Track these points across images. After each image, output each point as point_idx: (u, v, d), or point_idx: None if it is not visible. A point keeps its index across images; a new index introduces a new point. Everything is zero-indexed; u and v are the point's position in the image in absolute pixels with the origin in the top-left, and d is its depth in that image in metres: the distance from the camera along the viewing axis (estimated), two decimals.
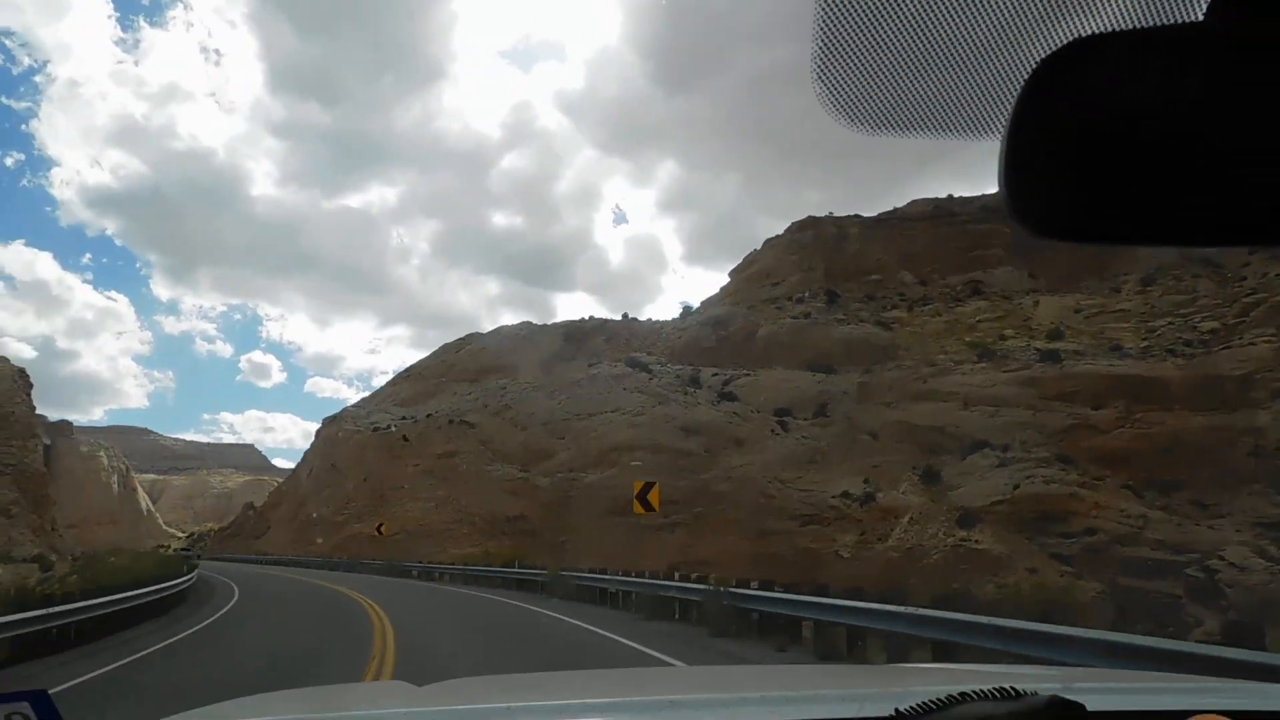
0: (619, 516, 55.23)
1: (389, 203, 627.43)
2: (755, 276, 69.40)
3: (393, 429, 62.09)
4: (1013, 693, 1.01)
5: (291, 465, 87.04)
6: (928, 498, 49.17)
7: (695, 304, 74.03)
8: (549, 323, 69.05)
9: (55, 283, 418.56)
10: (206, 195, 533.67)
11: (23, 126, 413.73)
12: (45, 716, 0.84)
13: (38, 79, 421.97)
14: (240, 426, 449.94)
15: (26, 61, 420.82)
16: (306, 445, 74.94)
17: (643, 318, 74.90)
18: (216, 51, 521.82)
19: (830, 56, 0.76)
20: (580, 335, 68.08)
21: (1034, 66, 0.71)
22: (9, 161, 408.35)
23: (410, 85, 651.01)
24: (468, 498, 57.47)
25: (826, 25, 0.76)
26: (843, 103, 0.78)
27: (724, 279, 74.97)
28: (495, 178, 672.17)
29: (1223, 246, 0.76)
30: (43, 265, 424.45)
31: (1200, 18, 0.70)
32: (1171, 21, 0.71)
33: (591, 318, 71.64)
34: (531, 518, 56.04)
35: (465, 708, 1.56)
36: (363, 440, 62.99)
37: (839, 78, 0.78)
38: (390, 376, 75.48)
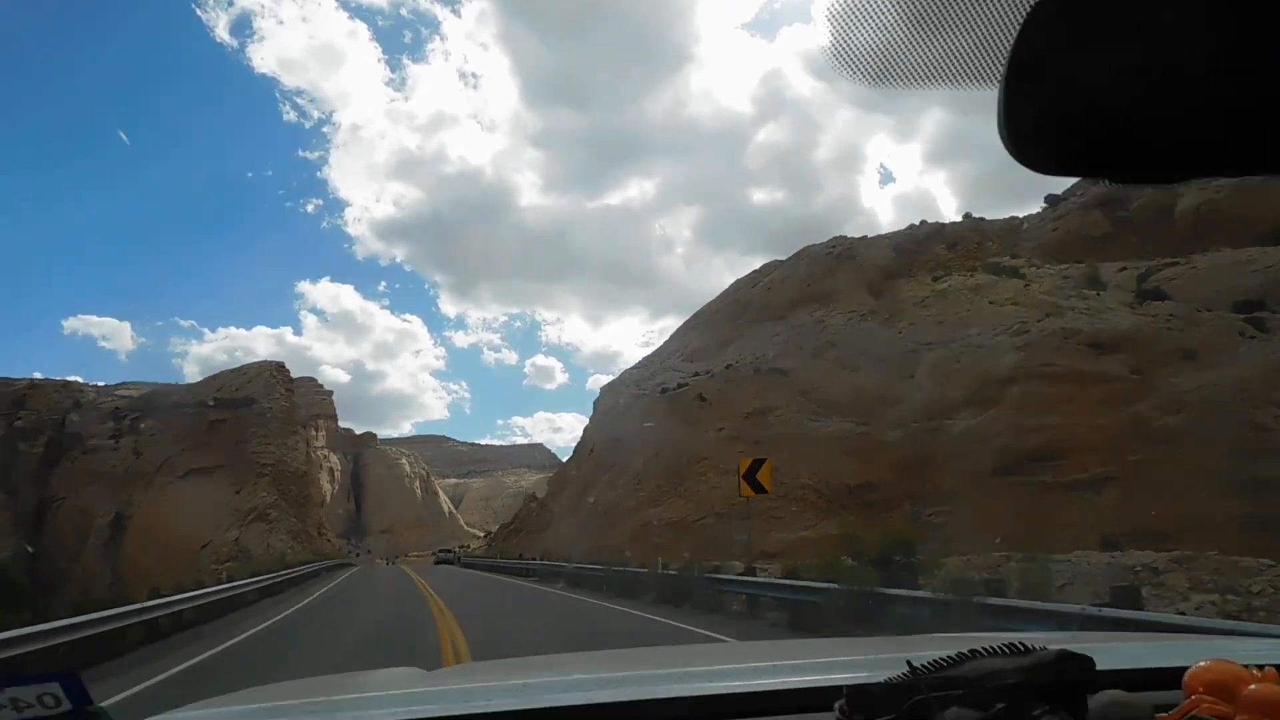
0: (1010, 475, 39.14)
1: (648, 196, 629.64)
2: None
3: (685, 388, 49.54)
4: (1022, 648, 1.04)
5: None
6: None
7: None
8: (870, 235, 54.06)
9: (359, 311, 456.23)
10: (479, 212, 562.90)
11: (318, 174, 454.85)
12: (75, 696, 0.84)
13: (325, 129, 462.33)
14: (530, 428, 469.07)
15: (316, 115, 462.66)
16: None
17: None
18: (473, 75, 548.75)
19: (842, 11, 0.75)
20: (913, 246, 52.29)
21: (1027, 13, 0.68)
22: (310, 208, 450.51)
23: (657, 75, 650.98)
24: (790, 465, 43.53)
25: None
26: (851, 59, 0.78)
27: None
28: (751, 155, 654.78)
29: (1224, 176, 0.74)
30: (346, 297, 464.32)
31: None
32: None
33: (924, 222, 55.64)
34: (880, 484, 41.33)
35: (481, 685, 1.54)
36: (649, 406, 50.97)
37: (848, 34, 0.77)
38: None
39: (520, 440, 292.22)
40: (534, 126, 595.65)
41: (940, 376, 42.19)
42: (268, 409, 55.35)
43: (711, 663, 1.85)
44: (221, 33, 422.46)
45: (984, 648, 1.05)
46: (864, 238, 54.59)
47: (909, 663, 1.03)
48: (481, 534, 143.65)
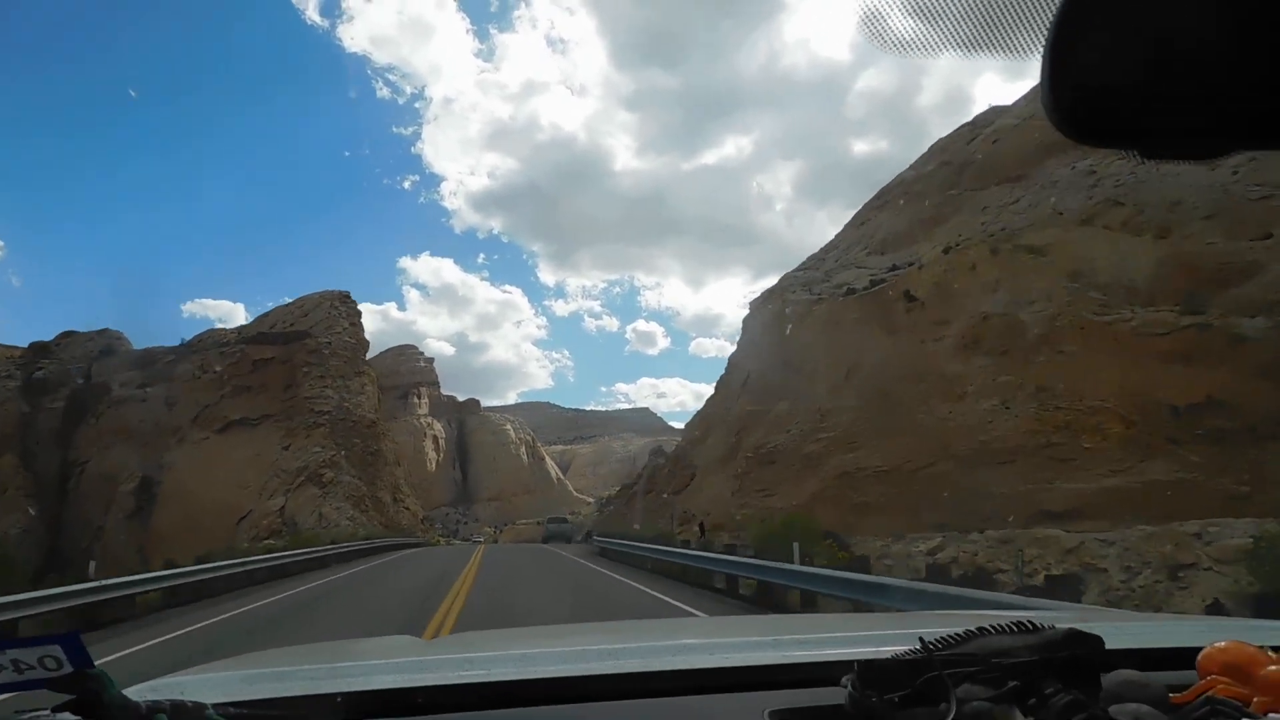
0: None
1: (745, 153, 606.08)
2: None
3: (882, 285, 35.09)
4: (1030, 626, 1.04)
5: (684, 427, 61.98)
6: None
7: None
8: None
9: (459, 284, 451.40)
10: (574, 179, 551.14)
11: (412, 149, 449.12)
12: (76, 659, 0.85)
13: (418, 105, 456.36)
14: (634, 395, 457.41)
15: (408, 90, 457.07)
16: (698, 407, 50.05)
17: None
18: (561, 40, 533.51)
19: None
20: None
21: None
22: (406, 184, 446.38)
23: (749, 26, 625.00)
24: (1071, 381, 29.01)
25: None
26: (878, 22, 0.74)
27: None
28: (851, 104, 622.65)
29: (1275, 149, 0.68)
30: (447, 271, 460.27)
31: None
32: None
33: None
34: (1234, 402, 26.22)
35: (482, 654, 1.53)
36: (830, 312, 36.97)
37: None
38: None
39: (624, 405, 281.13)
40: (625, 89, 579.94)
41: None
42: (325, 344, 43.56)
43: (715, 636, 1.80)
44: (312, 14, 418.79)
45: (992, 625, 1.05)
46: None
47: (920, 639, 1.02)
48: (590, 499, 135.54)
